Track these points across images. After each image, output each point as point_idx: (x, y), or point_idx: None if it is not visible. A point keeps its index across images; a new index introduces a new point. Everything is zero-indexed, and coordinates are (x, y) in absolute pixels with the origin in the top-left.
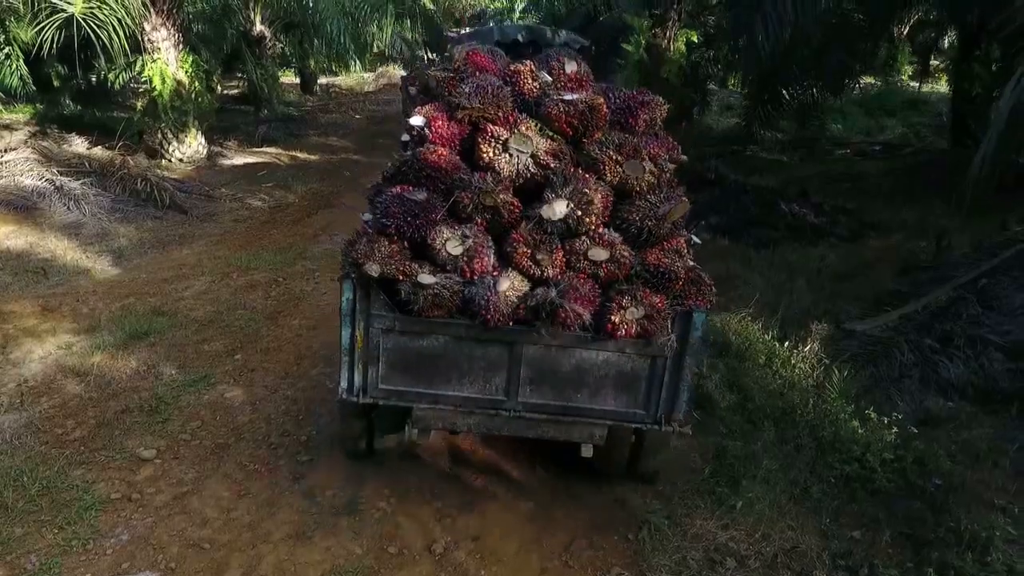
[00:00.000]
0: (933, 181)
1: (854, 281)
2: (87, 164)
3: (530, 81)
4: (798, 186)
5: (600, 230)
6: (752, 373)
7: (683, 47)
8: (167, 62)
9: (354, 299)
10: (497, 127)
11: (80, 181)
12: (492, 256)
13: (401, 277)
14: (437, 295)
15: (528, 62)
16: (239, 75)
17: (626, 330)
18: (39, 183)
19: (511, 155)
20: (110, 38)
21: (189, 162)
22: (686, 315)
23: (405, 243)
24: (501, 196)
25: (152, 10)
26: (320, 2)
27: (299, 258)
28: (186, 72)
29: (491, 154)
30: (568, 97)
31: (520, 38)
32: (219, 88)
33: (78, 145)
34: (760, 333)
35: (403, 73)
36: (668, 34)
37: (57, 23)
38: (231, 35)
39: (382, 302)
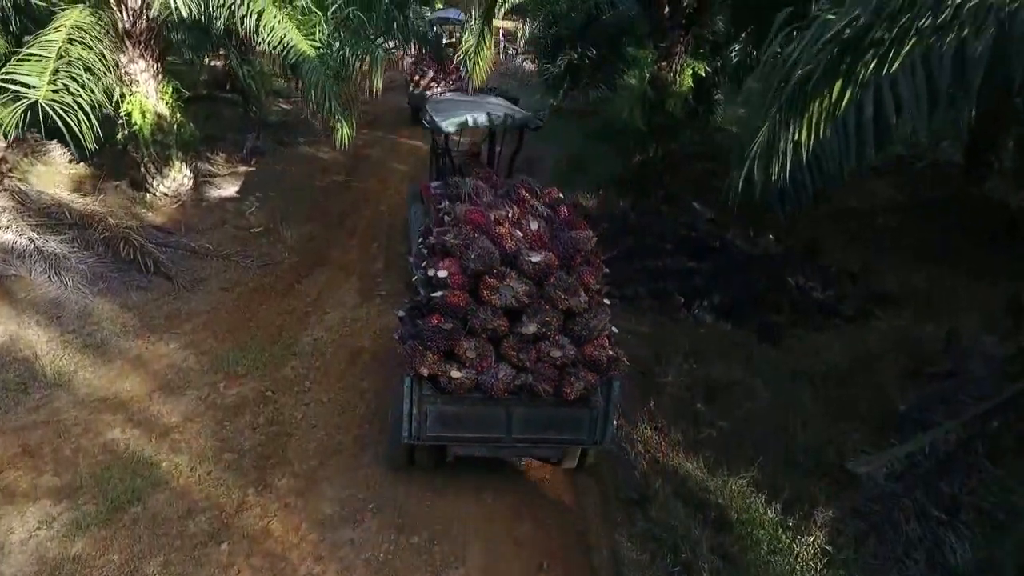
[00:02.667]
0: (947, 226)
1: (860, 386)
2: (67, 214)
3: (509, 240)
4: (806, 239)
5: (556, 338)
6: (754, 566)
7: (689, 80)
8: (146, 95)
9: (412, 387)
10: (493, 280)
11: (60, 237)
12: (493, 356)
13: (440, 374)
14: (462, 382)
15: (507, 224)
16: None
17: (574, 395)
18: (18, 239)
19: (501, 295)
20: (80, 123)
21: (174, 196)
22: (608, 383)
23: (441, 352)
24: (496, 322)
25: (128, 42)
26: (304, 65)
27: (289, 354)
28: (167, 103)
29: (489, 295)
30: (534, 259)
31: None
32: (203, 75)
33: (58, 159)
34: (763, 511)
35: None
36: (674, 67)
37: (21, 108)
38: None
39: (429, 387)
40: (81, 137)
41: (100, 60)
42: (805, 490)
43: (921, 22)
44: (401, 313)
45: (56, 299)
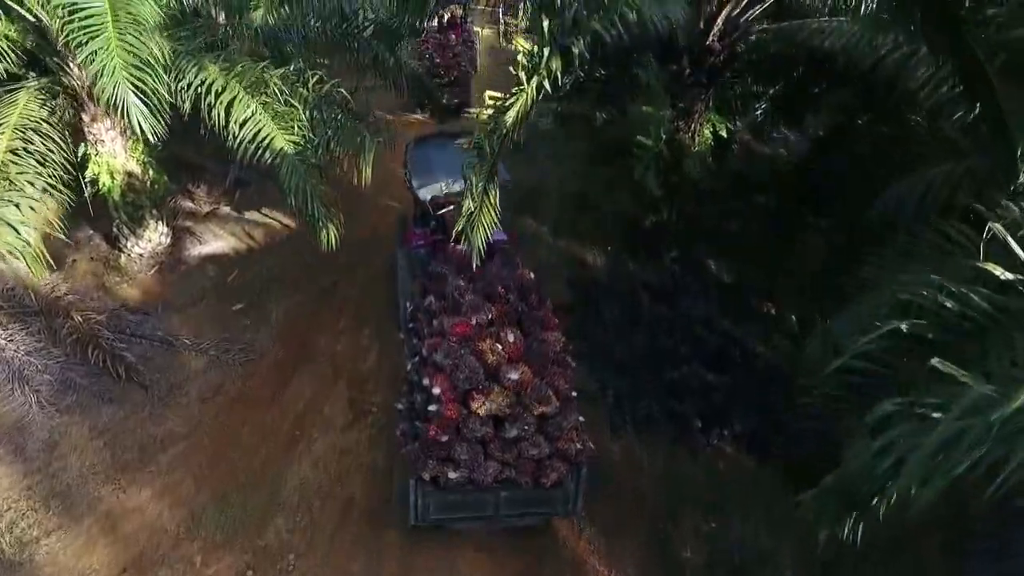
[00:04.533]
0: None
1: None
2: (32, 297)
3: (491, 356)
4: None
5: (534, 438)
6: None
7: (709, 137)
8: (113, 154)
9: (416, 485)
10: (480, 395)
11: (25, 330)
12: (482, 455)
13: (439, 475)
14: (459, 481)
15: (488, 340)
16: None
17: (550, 482)
18: None
19: (487, 406)
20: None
21: (151, 258)
22: (577, 468)
23: (439, 458)
24: (484, 429)
25: (90, 100)
26: (282, 165)
27: (273, 505)
28: (138, 161)
29: (477, 407)
30: (513, 376)
31: None
32: None
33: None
34: None
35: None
36: (693, 126)
37: None
38: None
39: (430, 484)
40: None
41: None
42: None
43: None
44: (400, 407)
45: (21, 422)
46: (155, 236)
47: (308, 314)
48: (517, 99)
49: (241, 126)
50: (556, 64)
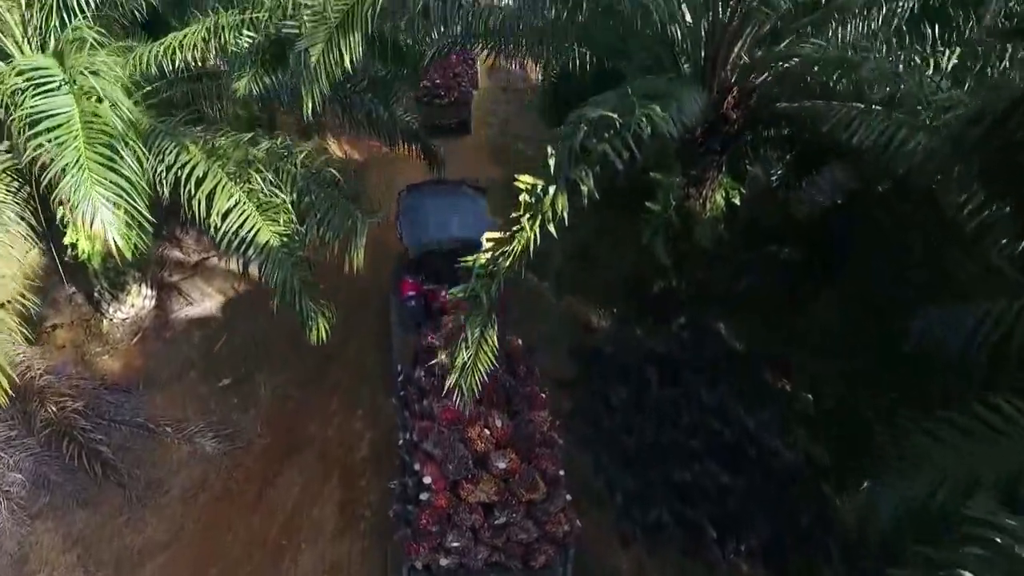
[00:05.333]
0: None
1: None
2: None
3: (479, 443)
4: None
5: (522, 523)
6: None
7: (721, 202)
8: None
9: (409, 572)
10: (468, 484)
11: None
12: (474, 542)
13: (431, 563)
14: (450, 568)
15: (476, 426)
16: None
17: (539, 564)
18: None
19: (476, 494)
20: None
21: (134, 324)
22: (564, 548)
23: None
24: (474, 516)
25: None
26: (267, 259)
27: None
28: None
29: (466, 495)
30: (501, 465)
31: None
32: None
33: None
34: None
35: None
36: (705, 192)
37: None
38: None
39: (423, 572)
40: None
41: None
42: None
43: None
44: (393, 485)
45: None
46: (138, 300)
47: (299, 398)
48: (517, 241)
49: (223, 217)
50: (561, 203)
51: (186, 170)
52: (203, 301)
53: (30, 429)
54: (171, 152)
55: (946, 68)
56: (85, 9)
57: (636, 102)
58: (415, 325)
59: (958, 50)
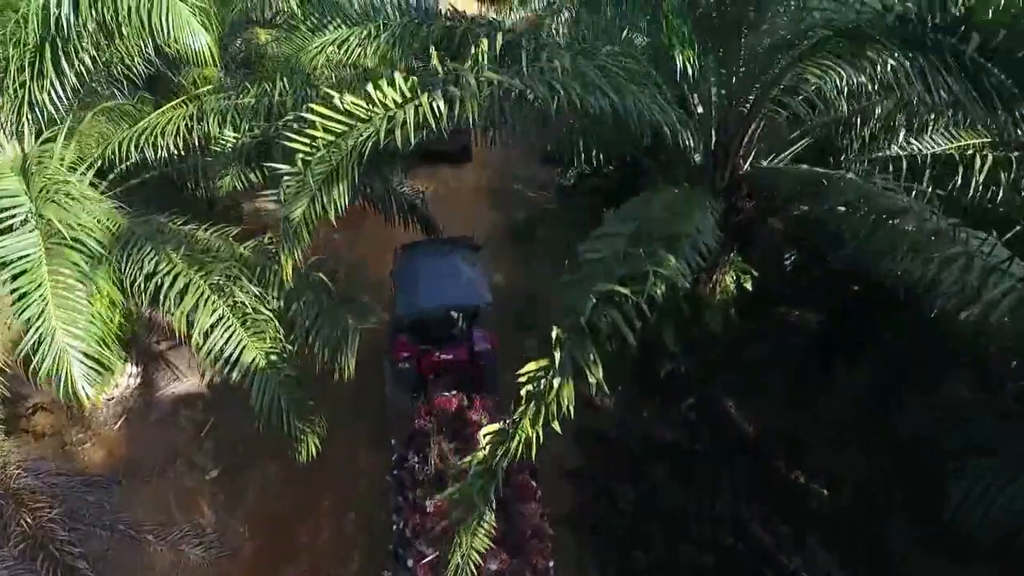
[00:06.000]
0: None
1: None
2: None
3: None
4: None
5: None
6: None
7: (732, 286)
8: None
9: None
10: None
11: None
12: None
13: None
14: None
15: None
16: None
17: None
18: None
19: None
20: None
21: (119, 405)
22: None
23: None
24: None
25: None
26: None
27: None
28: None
29: None
30: (492, 567)
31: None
32: None
33: None
34: None
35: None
36: (715, 276)
37: None
38: None
39: None
40: None
41: None
42: None
43: None
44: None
45: None
46: (123, 380)
47: (287, 495)
48: (517, 438)
49: (206, 336)
50: (568, 395)
51: (167, 280)
52: (190, 375)
53: (5, 536)
54: (150, 261)
55: None
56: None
57: (646, 257)
58: (409, 388)
59: None
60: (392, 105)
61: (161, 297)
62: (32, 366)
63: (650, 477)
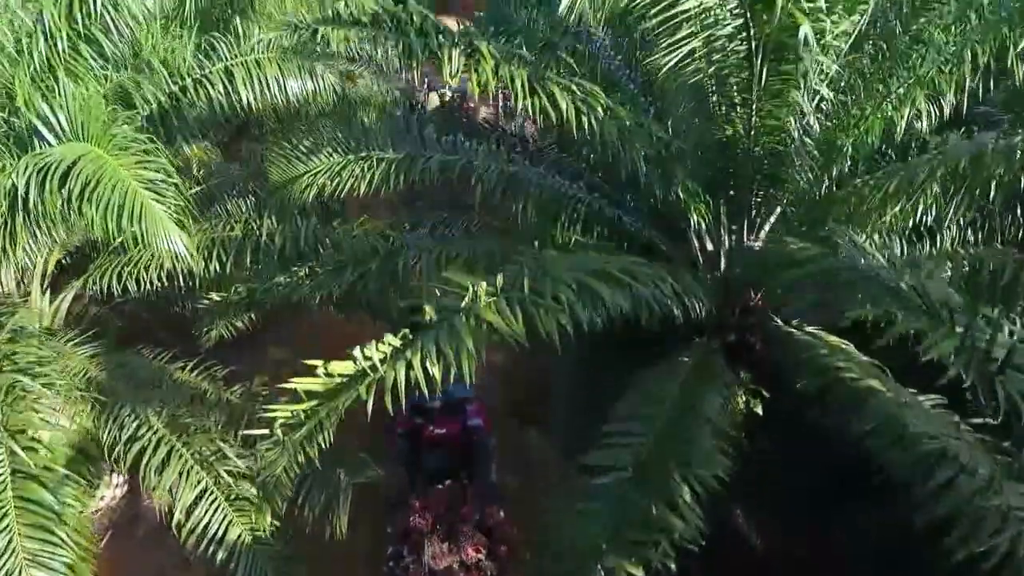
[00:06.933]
0: None
1: None
2: None
3: None
4: None
5: None
6: None
7: (741, 410)
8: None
9: None
10: None
11: None
12: None
13: None
14: None
15: None
16: None
17: None
18: None
19: None
20: None
21: (104, 517)
22: None
23: None
24: None
25: None
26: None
27: None
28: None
29: None
30: None
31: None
32: None
33: None
34: None
35: None
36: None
37: None
38: None
39: None
40: None
41: None
42: None
43: None
44: None
45: None
46: (108, 491)
47: None
48: None
49: (188, 513)
50: None
51: (148, 448)
52: None
53: None
54: (130, 425)
55: None
56: None
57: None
58: (405, 465)
59: None
60: (378, 364)
61: (140, 464)
62: None
63: None
